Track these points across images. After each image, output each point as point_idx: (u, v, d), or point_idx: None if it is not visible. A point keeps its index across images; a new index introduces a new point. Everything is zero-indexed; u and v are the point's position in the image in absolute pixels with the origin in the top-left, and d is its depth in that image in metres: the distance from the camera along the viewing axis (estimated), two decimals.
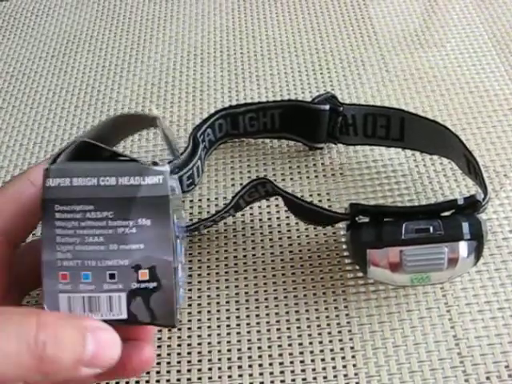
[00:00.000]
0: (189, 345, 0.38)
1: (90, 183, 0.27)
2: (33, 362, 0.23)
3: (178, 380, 0.37)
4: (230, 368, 0.37)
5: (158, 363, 0.38)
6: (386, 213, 0.37)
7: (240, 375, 0.37)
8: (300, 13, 0.61)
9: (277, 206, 0.45)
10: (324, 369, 0.37)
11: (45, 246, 0.26)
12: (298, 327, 0.39)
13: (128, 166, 0.27)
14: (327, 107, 0.45)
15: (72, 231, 0.27)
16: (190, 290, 0.41)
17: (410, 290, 0.40)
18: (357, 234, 0.37)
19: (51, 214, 0.27)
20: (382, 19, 0.59)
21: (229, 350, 0.38)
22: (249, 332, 0.39)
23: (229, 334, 0.39)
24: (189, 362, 0.38)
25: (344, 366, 0.37)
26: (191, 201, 0.45)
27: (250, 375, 0.37)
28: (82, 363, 0.24)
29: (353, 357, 0.37)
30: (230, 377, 0.37)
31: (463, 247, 0.35)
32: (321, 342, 0.38)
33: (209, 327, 0.39)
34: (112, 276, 0.27)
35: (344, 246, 0.42)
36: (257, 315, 0.39)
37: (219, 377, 0.37)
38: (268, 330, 0.39)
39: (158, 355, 0.38)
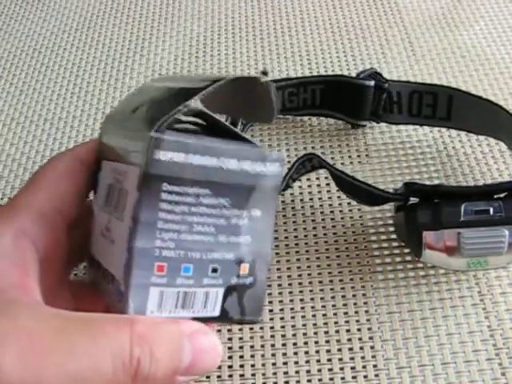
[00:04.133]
0: (229, 331, 0.36)
1: (210, 163, 0.23)
2: (127, 380, 0.21)
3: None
4: (273, 355, 0.35)
5: None
6: (443, 193, 0.34)
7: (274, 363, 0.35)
8: None
9: (318, 185, 0.42)
10: (352, 359, 0.35)
11: (140, 231, 0.22)
12: (346, 313, 0.36)
13: (248, 149, 0.24)
14: (372, 83, 0.43)
15: (179, 217, 0.22)
16: None
17: (454, 284, 0.37)
18: (412, 214, 0.34)
19: (156, 193, 0.22)
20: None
21: (272, 336, 0.36)
22: (293, 317, 0.36)
23: (272, 319, 0.36)
24: (230, 348, 0.36)
25: (373, 357, 0.35)
26: None
27: (274, 364, 0.35)
28: (178, 373, 0.22)
29: (382, 347, 0.35)
30: (253, 367, 0.35)
31: None
32: (359, 330, 0.36)
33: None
34: (214, 270, 0.24)
35: (391, 229, 0.40)
36: (301, 300, 0.37)
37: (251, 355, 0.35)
38: (313, 316, 0.36)
39: None
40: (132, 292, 0.22)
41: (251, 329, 0.36)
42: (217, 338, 0.23)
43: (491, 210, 0.33)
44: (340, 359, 0.35)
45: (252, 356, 0.35)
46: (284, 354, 0.35)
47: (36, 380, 0.19)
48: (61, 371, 0.20)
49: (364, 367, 0.34)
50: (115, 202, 0.24)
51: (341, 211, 0.41)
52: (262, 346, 0.35)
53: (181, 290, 0.23)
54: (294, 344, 0.35)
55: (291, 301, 0.37)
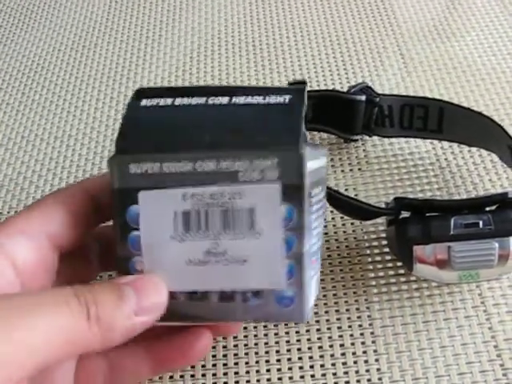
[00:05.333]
0: (224, 347, 0.37)
1: (318, 166, 0.27)
2: (83, 323, 0.22)
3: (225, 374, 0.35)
4: (268, 371, 0.35)
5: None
6: (434, 207, 0.35)
7: (259, 380, 0.35)
8: (326, 2, 0.59)
9: None
10: (346, 373, 0.35)
11: (305, 237, 0.24)
12: (339, 327, 0.37)
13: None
14: (363, 98, 0.43)
15: (316, 215, 0.27)
16: None
17: (447, 296, 0.38)
18: (402, 229, 0.35)
19: (308, 200, 0.25)
20: (405, 10, 0.57)
21: (256, 353, 0.36)
22: (287, 333, 0.37)
23: (266, 335, 0.37)
24: (225, 364, 0.36)
25: (367, 371, 0.35)
26: None
27: (268, 380, 0.35)
28: (131, 313, 0.24)
29: (376, 360, 0.35)
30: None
31: None
32: (352, 344, 0.36)
33: (245, 328, 0.37)
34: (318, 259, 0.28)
35: (384, 242, 0.40)
36: None
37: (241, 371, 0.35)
38: (307, 331, 0.37)
39: None
40: (307, 292, 0.25)
41: (235, 337, 0.36)
42: (157, 280, 0.25)
43: (481, 223, 0.34)
44: (334, 374, 0.35)
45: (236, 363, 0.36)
46: (279, 370, 0.35)
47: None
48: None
49: (358, 381, 0.35)
50: (226, 223, 0.25)
51: (334, 225, 0.41)
52: (246, 353, 0.36)
53: (317, 275, 0.28)
54: (289, 359, 0.36)
55: None
